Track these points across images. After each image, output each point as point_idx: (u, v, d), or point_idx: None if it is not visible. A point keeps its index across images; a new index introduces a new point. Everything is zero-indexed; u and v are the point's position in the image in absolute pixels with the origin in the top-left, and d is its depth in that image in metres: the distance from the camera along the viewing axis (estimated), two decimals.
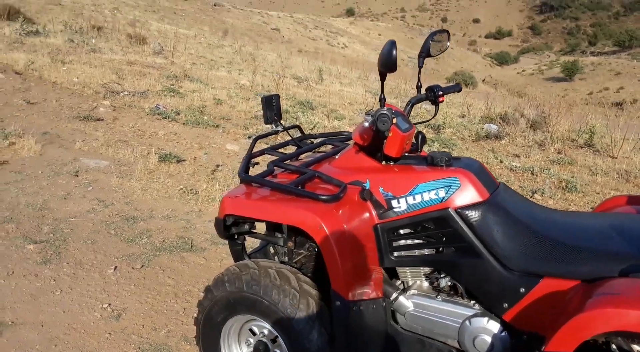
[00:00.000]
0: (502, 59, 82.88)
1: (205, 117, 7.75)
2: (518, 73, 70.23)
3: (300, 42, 52.84)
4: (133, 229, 3.60)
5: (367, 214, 1.89)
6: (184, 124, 6.96)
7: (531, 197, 5.35)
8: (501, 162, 6.80)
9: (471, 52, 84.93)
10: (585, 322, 1.39)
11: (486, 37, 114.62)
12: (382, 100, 1.92)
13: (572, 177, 6.13)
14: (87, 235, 3.49)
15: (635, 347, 1.73)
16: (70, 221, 3.66)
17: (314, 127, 8.04)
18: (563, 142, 8.11)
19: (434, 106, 2.29)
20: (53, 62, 10.51)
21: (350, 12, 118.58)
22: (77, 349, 2.42)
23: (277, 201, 1.89)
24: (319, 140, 2.51)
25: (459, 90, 2.38)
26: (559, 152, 7.66)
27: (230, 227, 2.13)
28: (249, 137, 6.78)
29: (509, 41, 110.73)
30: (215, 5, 58.35)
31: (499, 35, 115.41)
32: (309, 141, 2.50)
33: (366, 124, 1.88)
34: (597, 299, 1.42)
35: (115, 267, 3.12)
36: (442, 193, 1.82)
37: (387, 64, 1.75)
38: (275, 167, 2.10)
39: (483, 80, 47.93)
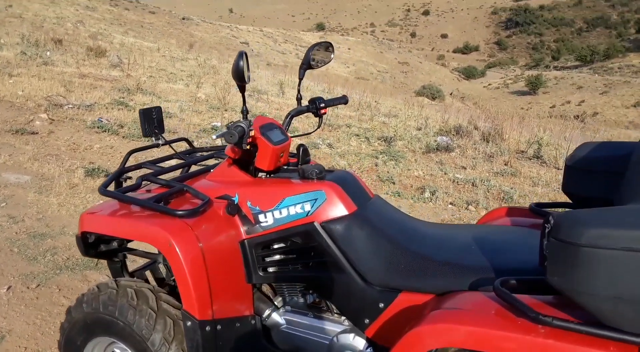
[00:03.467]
0: (469, 73, 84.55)
1: None
2: (484, 87, 71.67)
3: (270, 55, 52.92)
4: (38, 247, 3.46)
5: (234, 230, 1.81)
6: (123, 137, 6.81)
7: (466, 208, 5.37)
8: (445, 173, 6.83)
9: (439, 66, 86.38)
10: (417, 338, 1.34)
11: (454, 51, 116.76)
12: (244, 113, 1.87)
13: (511, 188, 6.18)
14: None
15: None
16: None
17: None
18: (511, 154, 8.21)
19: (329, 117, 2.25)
20: (0, 75, 10.24)
21: (320, 27, 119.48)
22: None
23: (131, 217, 1.80)
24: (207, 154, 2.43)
25: (345, 103, 2.33)
26: (505, 164, 7.74)
27: (98, 245, 2.03)
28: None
29: (476, 56, 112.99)
30: (184, 18, 58.15)
31: (466, 50, 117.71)
32: (198, 154, 2.42)
33: (213, 137, 1.82)
34: (432, 315, 1.37)
35: (9, 287, 2.98)
36: (307, 207, 1.76)
37: (237, 75, 1.70)
38: (145, 181, 2.01)
39: (451, 94, 48.73)
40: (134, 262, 2.67)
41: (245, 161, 1.93)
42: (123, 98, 9.94)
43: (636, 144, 1.61)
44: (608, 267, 1.08)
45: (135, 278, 2.19)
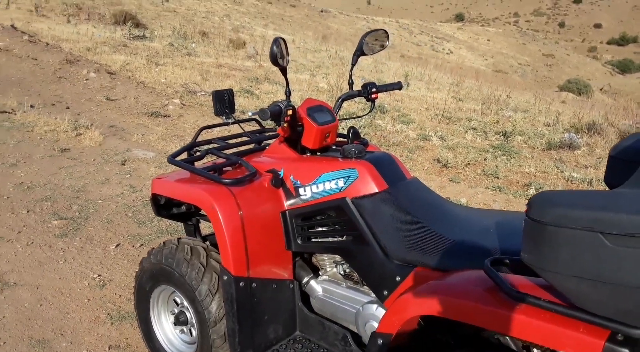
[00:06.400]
0: (624, 67, 76.76)
1: None
2: None
3: (404, 47, 52.39)
4: (149, 213, 3.94)
5: (277, 201, 2.01)
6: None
7: None
8: (561, 172, 6.46)
9: (590, 59, 79.64)
10: (404, 304, 1.44)
11: (608, 43, 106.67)
12: (286, 94, 2.04)
13: None
14: (107, 215, 3.88)
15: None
16: (98, 203, 4.09)
17: (376, 131, 8.10)
18: None
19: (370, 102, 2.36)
20: (148, 63, 11.43)
21: (459, 17, 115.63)
22: (57, 309, 2.76)
23: (188, 183, 2.07)
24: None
25: (400, 88, 2.41)
26: None
27: (171, 208, 2.33)
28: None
29: (634, 48, 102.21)
30: (322, 11, 59.64)
31: (622, 41, 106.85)
32: (266, 134, 2.64)
33: (249, 114, 2.01)
34: (423, 286, 1.45)
35: (118, 245, 3.47)
36: (341, 183, 1.90)
37: (272, 59, 1.87)
38: (210, 155, 2.28)
39: (601, 89, 44.77)
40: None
41: (294, 140, 2.11)
42: (250, 87, 10.61)
43: None
44: (569, 246, 1.10)
45: (205, 241, 2.48)
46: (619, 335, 1.11)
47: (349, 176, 1.89)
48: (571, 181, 6.08)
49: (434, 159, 6.44)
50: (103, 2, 26.82)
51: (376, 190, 1.85)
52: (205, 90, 9.51)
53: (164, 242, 2.19)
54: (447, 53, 56.33)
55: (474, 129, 8.91)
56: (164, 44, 15.18)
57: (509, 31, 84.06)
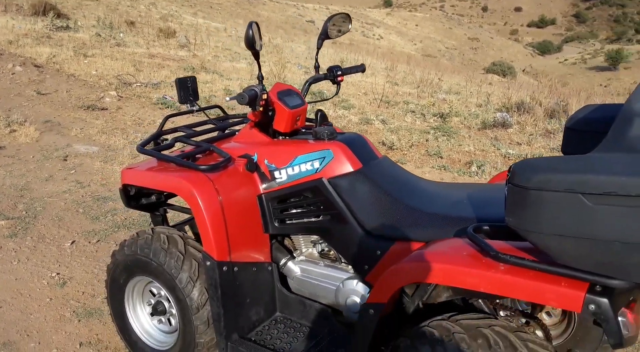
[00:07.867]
0: (544, 49, 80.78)
1: None
2: (560, 62, 68.39)
3: None
4: (101, 208, 3.84)
5: (252, 185, 2.03)
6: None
7: None
8: (498, 149, 6.78)
9: (512, 42, 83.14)
10: (394, 274, 1.51)
11: (528, 26, 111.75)
12: (259, 78, 2.06)
13: None
14: (56, 213, 3.75)
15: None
16: (44, 200, 3.94)
17: None
18: None
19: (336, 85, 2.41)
20: (75, 55, 10.93)
21: (388, 3, 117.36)
22: (18, 311, 2.66)
23: (162, 171, 2.06)
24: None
25: (363, 71, 2.48)
26: None
27: (140, 198, 2.30)
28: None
29: (552, 30, 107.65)
30: None
31: (541, 23, 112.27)
32: (230, 121, 2.63)
33: (227, 99, 2.03)
34: (410, 256, 1.53)
35: (73, 242, 3.37)
36: (316, 164, 1.94)
37: (248, 44, 1.89)
38: (179, 142, 2.26)
39: (523, 71, 46.87)
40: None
41: (265, 124, 2.13)
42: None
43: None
44: (552, 207, 1.20)
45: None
46: (598, 286, 1.22)
47: (324, 157, 1.93)
48: (508, 157, 6.39)
49: (379, 142, 6.58)
50: None
51: (351, 169, 1.91)
52: (140, 81, 9.22)
53: (137, 233, 2.16)
54: (377, 39, 57.08)
55: (413, 111, 9.15)
56: (90, 35, 14.52)
57: (436, 16, 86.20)
